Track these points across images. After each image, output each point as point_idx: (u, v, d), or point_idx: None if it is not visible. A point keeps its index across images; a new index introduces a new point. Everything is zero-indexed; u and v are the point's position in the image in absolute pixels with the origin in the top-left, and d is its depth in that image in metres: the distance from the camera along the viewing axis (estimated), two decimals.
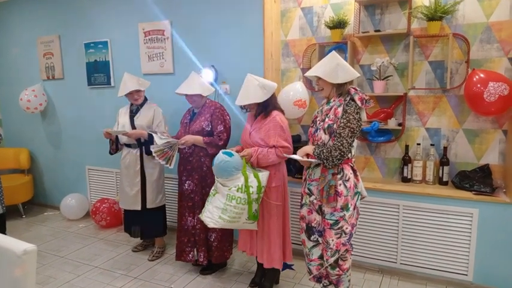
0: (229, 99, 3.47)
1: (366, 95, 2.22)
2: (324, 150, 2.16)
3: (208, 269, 3.10)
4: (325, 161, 2.16)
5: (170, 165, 2.96)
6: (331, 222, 2.22)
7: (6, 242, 1.19)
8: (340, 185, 2.18)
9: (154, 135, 2.99)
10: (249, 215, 2.51)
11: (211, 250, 3.01)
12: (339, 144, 2.12)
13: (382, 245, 3.00)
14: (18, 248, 1.14)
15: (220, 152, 2.54)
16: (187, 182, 3.01)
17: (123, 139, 3.31)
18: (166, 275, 3.10)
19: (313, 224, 2.31)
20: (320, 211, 2.28)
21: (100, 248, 3.68)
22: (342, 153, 2.12)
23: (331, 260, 2.26)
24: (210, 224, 2.51)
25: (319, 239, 2.31)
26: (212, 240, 3.00)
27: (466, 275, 2.75)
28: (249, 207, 2.49)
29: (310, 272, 2.42)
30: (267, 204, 2.63)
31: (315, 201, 2.28)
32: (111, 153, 3.42)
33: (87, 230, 4.14)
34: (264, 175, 2.55)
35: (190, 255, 3.05)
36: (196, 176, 2.96)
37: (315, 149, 2.20)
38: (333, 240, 2.23)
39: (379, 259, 3.03)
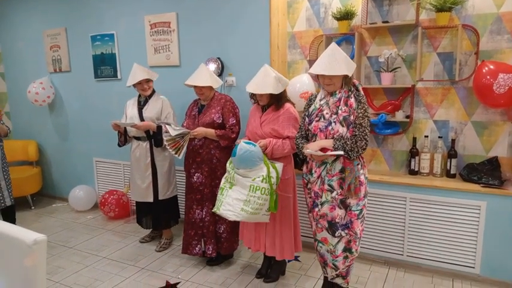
0: (235, 92, 3.47)
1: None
2: (348, 142, 2.16)
3: (215, 260, 3.13)
4: (350, 153, 2.15)
5: (179, 155, 2.95)
6: (357, 212, 2.26)
7: (16, 232, 1.20)
8: (361, 174, 2.24)
9: (168, 126, 2.95)
10: (270, 205, 2.50)
11: (221, 242, 3.03)
12: (363, 134, 2.17)
13: (389, 237, 3.00)
14: (29, 237, 1.16)
15: (242, 141, 2.52)
16: (196, 174, 3.01)
17: (132, 132, 3.31)
18: (174, 266, 3.13)
19: (337, 220, 2.29)
20: (343, 205, 2.27)
21: (108, 239, 3.72)
22: (367, 142, 2.19)
23: (359, 248, 2.36)
24: (232, 217, 2.49)
25: (343, 233, 2.29)
26: (221, 231, 3.02)
27: (474, 267, 2.75)
28: (270, 198, 2.49)
29: (335, 268, 2.37)
30: (278, 196, 2.63)
31: (336, 196, 2.26)
32: (119, 146, 3.44)
33: (95, 221, 4.19)
34: (279, 166, 2.57)
35: (197, 248, 3.06)
36: (206, 169, 2.97)
37: (335, 142, 2.18)
38: (359, 229, 2.30)
39: (386, 251, 3.03)
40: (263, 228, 2.74)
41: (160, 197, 3.35)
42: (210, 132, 2.91)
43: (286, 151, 2.60)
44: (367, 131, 2.19)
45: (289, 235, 2.70)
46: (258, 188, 2.45)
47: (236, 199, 2.50)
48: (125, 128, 3.32)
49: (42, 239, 1.16)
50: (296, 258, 3.10)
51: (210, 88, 2.97)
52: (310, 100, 2.41)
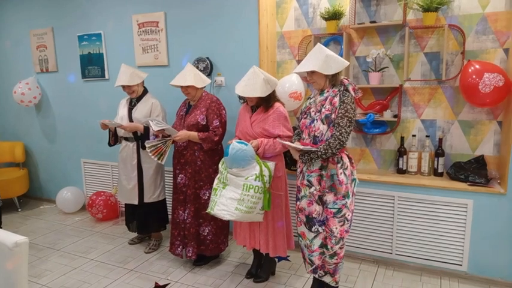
0: (224, 91, 3.46)
1: (356, 86, 2.28)
2: (320, 148, 2.19)
3: (201, 260, 3.11)
4: (324, 156, 2.20)
5: (162, 161, 2.94)
6: (334, 210, 2.25)
7: None
8: (340, 173, 2.22)
9: (150, 122, 2.93)
10: (264, 204, 2.52)
11: (205, 244, 3.01)
12: (338, 134, 2.18)
13: (377, 236, 3.01)
14: (10, 240, 1.13)
15: (234, 141, 2.53)
16: (180, 175, 3.01)
17: (120, 132, 3.28)
18: (163, 267, 3.11)
19: (313, 215, 2.32)
20: (320, 201, 2.29)
21: (96, 241, 3.68)
22: (341, 143, 2.19)
23: (336, 247, 2.31)
24: (226, 217, 2.50)
25: (320, 228, 2.32)
26: (206, 234, 3.00)
27: (461, 265, 2.78)
28: (264, 196, 2.50)
29: (311, 263, 2.40)
30: (271, 195, 2.63)
31: (315, 192, 2.29)
32: (110, 145, 3.39)
33: (83, 223, 4.14)
34: (272, 165, 2.58)
35: (178, 249, 3.05)
36: (190, 170, 2.95)
37: (307, 156, 2.24)
38: (336, 228, 2.27)
39: (375, 250, 3.04)
40: (257, 225, 2.74)
41: (146, 200, 3.31)
42: (193, 135, 2.89)
43: (278, 150, 2.60)
44: (343, 130, 2.18)
45: (281, 233, 2.71)
46: (251, 186, 2.46)
47: (230, 198, 2.50)
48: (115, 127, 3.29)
49: (23, 242, 1.13)
50: (286, 258, 3.09)
51: (195, 88, 2.93)
52: (309, 98, 2.45)
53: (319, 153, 2.20)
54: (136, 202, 3.31)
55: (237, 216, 2.49)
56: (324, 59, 2.20)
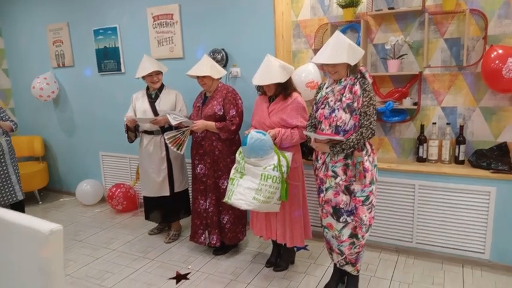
0: (240, 82, 3.45)
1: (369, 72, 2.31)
2: (353, 138, 2.17)
3: (220, 250, 3.14)
4: (356, 146, 2.19)
5: (181, 151, 2.98)
6: (362, 198, 2.25)
7: (32, 223, 1.21)
8: (366, 160, 2.22)
9: (168, 115, 2.97)
10: (281, 194, 2.52)
11: (225, 232, 3.05)
12: (368, 123, 2.18)
13: (398, 224, 3.00)
14: (45, 228, 1.16)
15: (253, 131, 2.54)
16: (199, 166, 3.03)
17: (145, 126, 3.27)
18: (183, 257, 3.15)
19: (341, 206, 2.30)
20: (347, 191, 2.28)
21: (116, 231, 3.75)
22: (373, 131, 2.19)
23: (367, 235, 2.33)
24: (244, 206, 2.51)
25: (348, 218, 2.31)
26: (225, 222, 3.03)
27: (483, 253, 2.75)
28: (281, 186, 2.50)
29: (341, 253, 2.40)
30: (288, 185, 2.64)
31: (341, 182, 2.28)
32: (131, 142, 3.38)
33: (103, 215, 4.21)
34: (289, 156, 2.57)
35: (202, 238, 3.09)
36: (209, 160, 2.97)
37: (339, 147, 2.20)
38: (366, 216, 2.28)
39: (395, 239, 3.03)
40: (274, 216, 2.75)
41: (176, 190, 3.36)
42: (211, 125, 2.91)
43: (295, 140, 2.60)
44: (372, 119, 2.18)
45: (299, 222, 2.72)
46: (269, 176, 2.46)
47: (248, 188, 2.51)
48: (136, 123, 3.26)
49: (58, 229, 1.16)
50: (305, 248, 3.11)
51: (211, 78, 2.94)
52: (319, 88, 2.42)
53: (352, 143, 2.18)
54: (167, 193, 3.33)
55: (254, 205, 2.50)
56: (348, 48, 2.17)
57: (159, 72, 3.22)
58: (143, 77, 3.21)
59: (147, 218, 3.56)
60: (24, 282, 1.25)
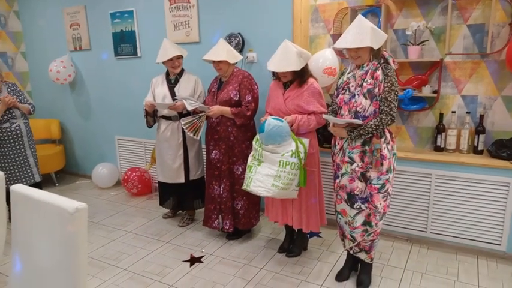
0: (256, 68, 3.43)
1: (394, 58, 2.23)
2: (371, 124, 2.14)
3: (234, 234, 3.17)
4: (375, 132, 2.16)
5: (197, 136, 2.99)
6: (378, 186, 2.23)
7: (58, 201, 1.23)
8: (384, 148, 2.19)
9: (184, 101, 2.96)
10: (300, 180, 2.51)
11: (238, 218, 3.07)
12: (388, 109, 2.14)
13: (412, 214, 2.98)
14: (70, 206, 1.18)
15: (269, 117, 2.52)
16: (214, 151, 3.04)
17: (163, 112, 3.24)
18: (197, 241, 3.19)
19: (356, 192, 2.29)
20: (363, 178, 2.27)
21: (132, 214, 3.81)
22: (393, 118, 2.15)
23: (380, 223, 2.31)
24: (263, 193, 2.51)
25: (362, 206, 2.30)
26: (239, 208, 3.05)
27: (500, 244, 2.72)
28: (300, 173, 2.50)
29: (353, 240, 2.40)
30: (306, 171, 2.62)
31: (357, 168, 2.26)
32: (149, 127, 3.37)
33: (118, 198, 4.28)
34: (306, 142, 2.56)
35: (215, 223, 3.12)
36: (224, 146, 2.98)
37: (357, 133, 2.18)
38: (380, 204, 2.26)
39: (409, 228, 3.01)
40: (290, 202, 2.75)
41: (191, 177, 3.34)
42: (226, 110, 2.90)
43: (312, 126, 2.58)
44: (392, 105, 2.14)
45: (314, 208, 2.72)
46: (287, 163, 2.45)
47: (266, 175, 2.50)
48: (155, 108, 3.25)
49: (83, 207, 1.19)
50: (318, 234, 3.12)
51: (227, 63, 2.92)
52: (342, 74, 2.39)
53: (370, 129, 2.15)
54: (183, 180, 3.32)
55: (273, 192, 2.50)
56: (371, 32, 2.12)
57: (179, 57, 3.19)
58: (163, 62, 3.18)
59: (161, 204, 3.59)
60: (50, 257, 1.28)
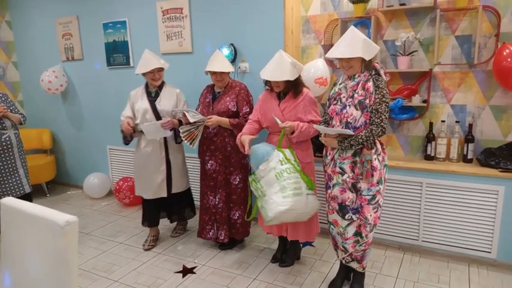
0: (248, 78, 3.45)
1: (385, 69, 2.28)
2: (362, 135, 2.16)
3: (227, 244, 3.16)
4: (365, 143, 2.18)
5: (193, 145, 2.96)
6: (368, 197, 2.24)
7: (48, 214, 1.23)
8: (374, 159, 2.20)
9: (187, 113, 2.88)
10: (305, 181, 2.49)
11: (235, 228, 3.06)
12: (379, 120, 2.16)
13: (404, 222, 3.00)
14: (61, 219, 1.18)
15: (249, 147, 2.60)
16: (210, 162, 3.03)
17: (150, 136, 3.02)
18: (189, 251, 3.17)
19: (347, 203, 2.30)
20: (354, 189, 2.28)
21: (123, 225, 3.77)
22: (383, 129, 2.17)
23: (371, 235, 2.31)
24: (281, 209, 2.41)
25: (354, 216, 2.30)
26: (236, 218, 3.05)
27: (490, 252, 2.74)
28: (301, 175, 2.50)
29: (345, 251, 2.40)
30: (307, 175, 2.62)
31: (348, 179, 2.27)
32: (126, 144, 3.18)
33: (110, 208, 4.24)
34: (287, 151, 2.58)
35: (210, 233, 3.10)
36: (220, 156, 2.98)
37: (347, 143, 2.20)
38: (371, 215, 2.26)
39: (401, 236, 3.03)
40: None
41: (174, 191, 3.23)
42: (224, 121, 2.90)
43: (311, 134, 2.61)
44: (383, 117, 2.16)
45: (310, 218, 2.71)
46: (282, 171, 2.47)
47: (274, 194, 2.47)
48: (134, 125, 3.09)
49: (73, 220, 1.18)
50: (311, 244, 3.11)
51: (228, 74, 2.97)
52: (334, 84, 2.41)
53: (361, 140, 2.16)
54: (165, 195, 3.20)
55: (289, 202, 2.41)
56: (362, 43, 2.15)
57: (161, 69, 3.04)
58: (143, 74, 3.03)
59: (143, 223, 3.33)
60: (41, 270, 1.27)
